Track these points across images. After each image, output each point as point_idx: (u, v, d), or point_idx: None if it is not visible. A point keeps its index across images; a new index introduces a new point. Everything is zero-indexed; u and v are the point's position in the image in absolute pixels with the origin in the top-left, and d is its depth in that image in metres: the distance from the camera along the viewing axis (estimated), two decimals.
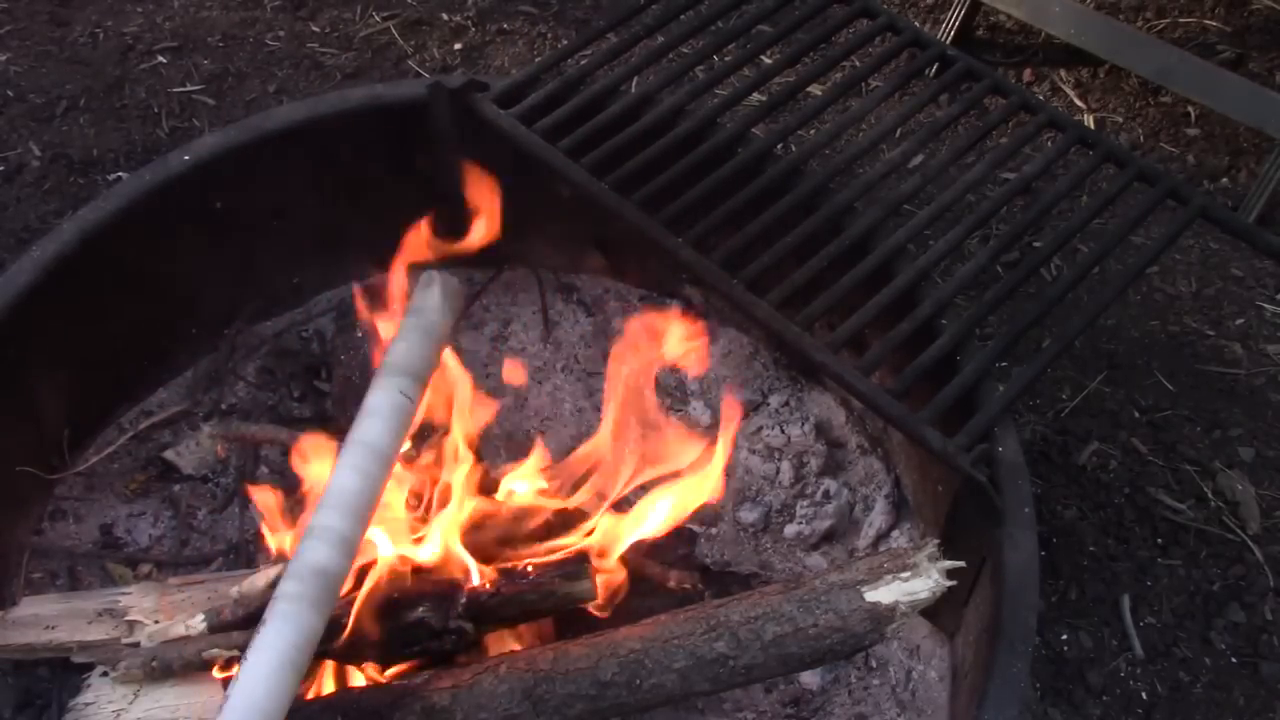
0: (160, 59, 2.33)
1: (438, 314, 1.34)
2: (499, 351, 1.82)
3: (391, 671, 1.31)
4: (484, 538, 1.36)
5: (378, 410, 1.22)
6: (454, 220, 1.53)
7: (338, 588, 1.09)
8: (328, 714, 1.21)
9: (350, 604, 1.24)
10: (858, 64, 1.79)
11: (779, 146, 1.55)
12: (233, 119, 2.17)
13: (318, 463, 1.34)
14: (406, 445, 1.38)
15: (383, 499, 1.31)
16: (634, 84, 1.79)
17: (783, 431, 1.72)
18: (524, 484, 1.43)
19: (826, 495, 1.64)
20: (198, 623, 1.33)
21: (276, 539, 1.40)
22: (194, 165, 1.53)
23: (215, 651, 1.26)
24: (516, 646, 1.36)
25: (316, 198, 1.65)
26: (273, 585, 1.29)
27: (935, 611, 1.38)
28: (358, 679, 1.31)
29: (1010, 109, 1.58)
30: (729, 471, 1.58)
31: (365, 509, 1.16)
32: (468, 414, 1.43)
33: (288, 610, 1.02)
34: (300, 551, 1.09)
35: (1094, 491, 1.77)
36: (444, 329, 1.37)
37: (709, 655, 1.19)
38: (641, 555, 1.41)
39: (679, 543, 1.48)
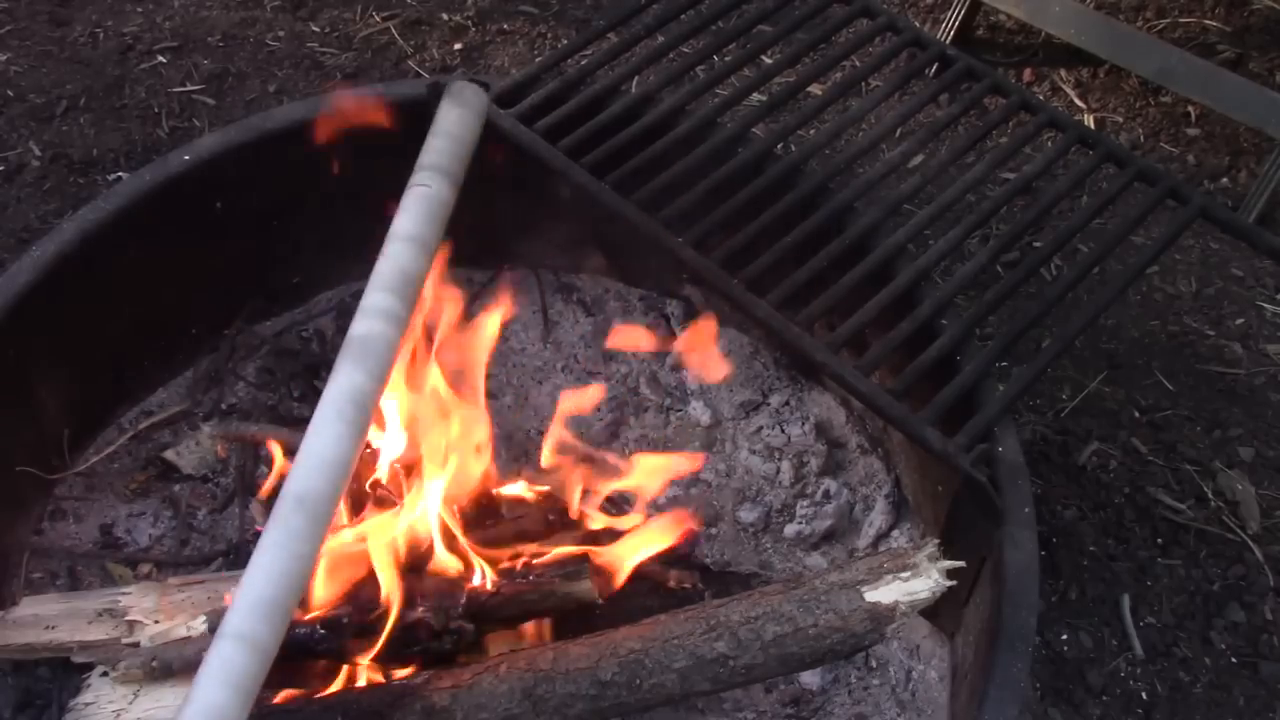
0: (160, 59, 2.33)
1: (464, 122, 1.35)
2: (499, 352, 1.82)
3: (391, 671, 1.31)
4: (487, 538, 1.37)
5: (411, 206, 1.27)
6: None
7: (392, 353, 1.15)
8: (328, 714, 1.21)
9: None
10: (858, 64, 1.80)
11: (779, 146, 1.55)
12: (233, 119, 2.17)
13: None
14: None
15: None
16: (634, 84, 1.79)
17: (783, 431, 1.72)
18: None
19: (826, 495, 1.64)
20: (198, 623, 1.34)
21: None
22: (194, 165, 1.53)
23: None
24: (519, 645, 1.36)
25: (317, 197, 1.65)
26: None
27: (935, 611, 1.38)
28: (358, 679, 1.31)
29: (1010, 109, 1.58)
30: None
31: (411, 289, 1.20)
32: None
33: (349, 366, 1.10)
34: (353, 327, 1.16)
35: (1094, 491, 1.77)
36: (472, 135, 1.37)
37: (709, 655, 1.19)
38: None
39: (679, 543, 1.48)
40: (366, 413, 1.10)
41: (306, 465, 1.05)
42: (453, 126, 1.35)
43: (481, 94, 1.45)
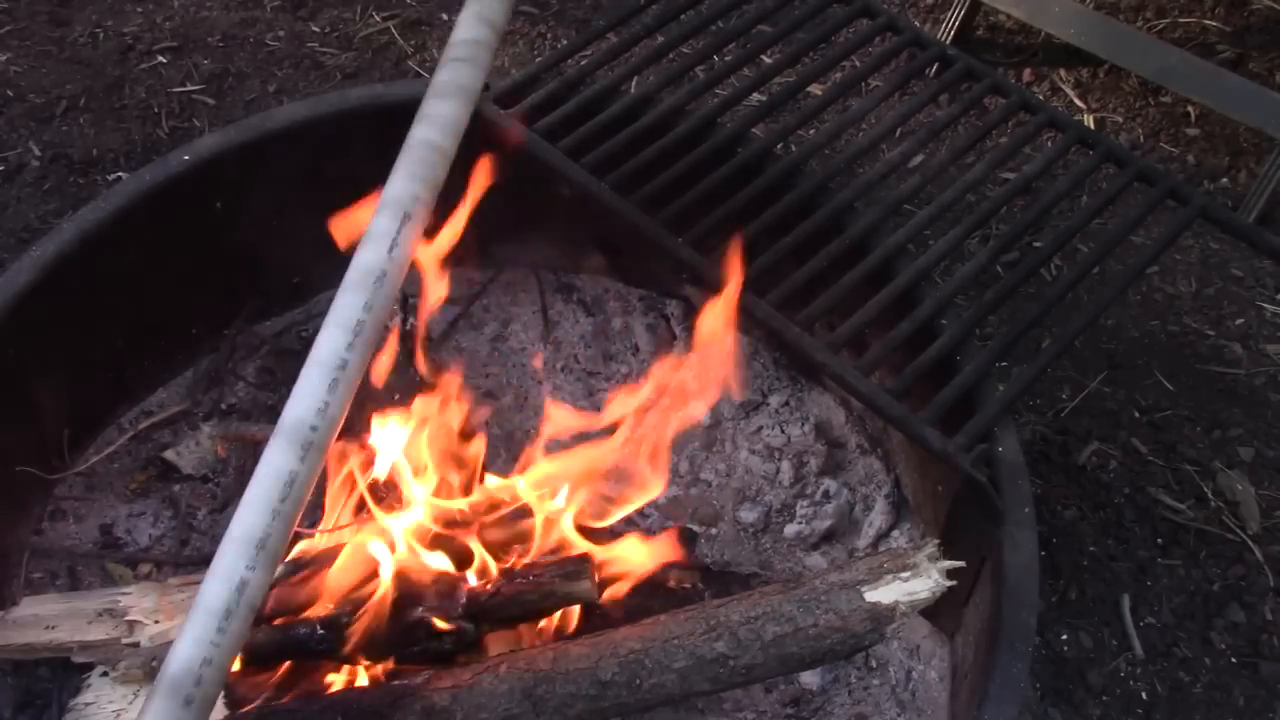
0: (160, 59, 2.33)
1: None
2: (499, 352, 1.82)
3: (392, 671, 1.31)
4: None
5: (463, 39, 1.32)
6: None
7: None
8: (328, 714, 1.21)
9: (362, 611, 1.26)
10: (858, 64, 1.79)
11: (779, 146, 1.55)
12: (233, 119, 2.17)
13: None
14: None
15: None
16: (634, 84, 1.79)
17: (783, 431, 1.72)
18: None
19: (826, 495, 1.64)
20: None
21: None
22: (194, 165, 1.53)
23: None
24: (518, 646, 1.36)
25: (317, 197, 1.65)
26: (274, 586, 1.30)
27: (935, 611, 1.38)
28: (358, 679, 1.31)
29: (1010, 109, 1.58)
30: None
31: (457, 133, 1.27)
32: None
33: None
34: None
35: (1094, 491, 1.77)
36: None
37: (709, 655, 1.19)
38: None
39: (679, 542, 1.48)
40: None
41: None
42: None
43: None
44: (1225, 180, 2.24)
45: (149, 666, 1.30)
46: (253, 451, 1.62)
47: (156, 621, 1.36)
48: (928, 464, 1.50)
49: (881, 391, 1.25)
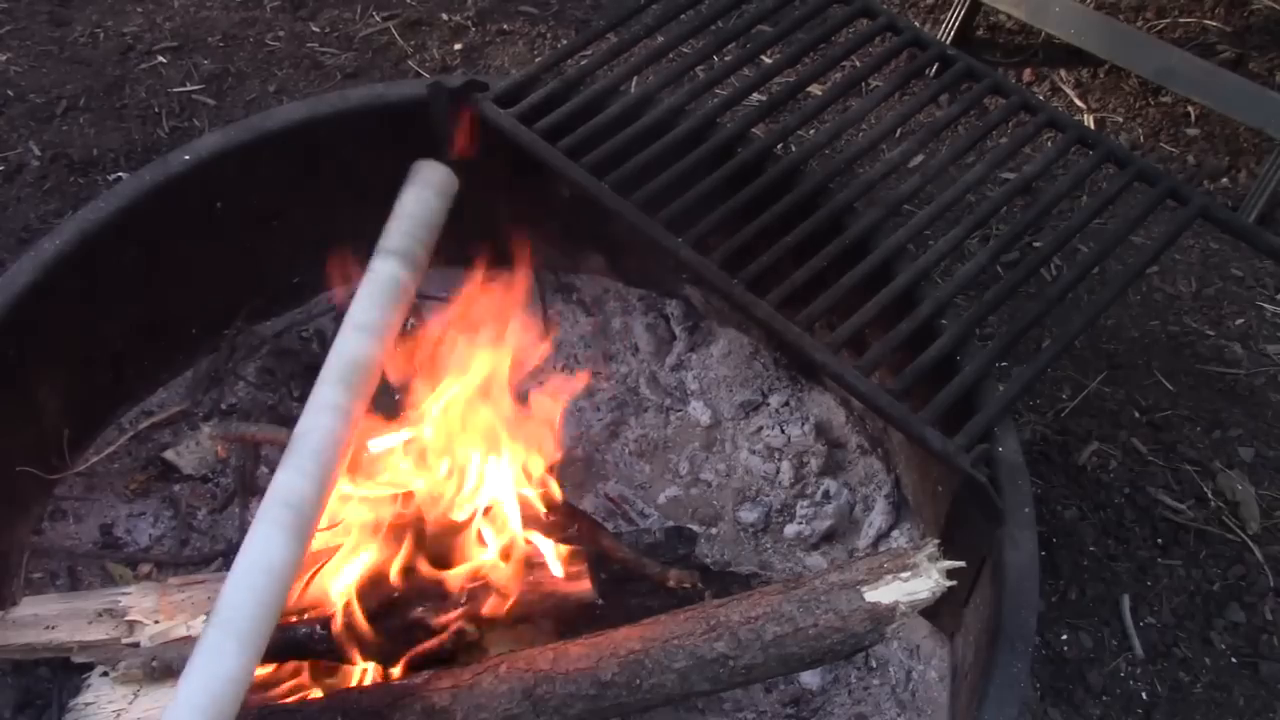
0: (160, 59, 2.33)
1: (427, 202, 1.36)
2: None
3: (391, 671, 1.31)
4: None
5: (365, 291, 1.28)
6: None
7: (338, 449, 1.17)
8: (328, 714, 1.21)
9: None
10: (858, 64, 1.79)
11: (779, 146, 1.55)
12: (233, 119, 2.17)
13: None
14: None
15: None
16: (634, 84, 1.79)
17: (783, 431, 1.72)
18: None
19: (826, 495, 1.64)
20: (198, 623, 1.34)
21: None
22: (194, 165, 1.53)
23: None
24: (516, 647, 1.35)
25: (317, 197, 1.65)
26: None
27: (935, 611, 1.38)
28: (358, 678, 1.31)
29: (1010, 109, 1.58)
30: None
31: (363, 377, 1.23)
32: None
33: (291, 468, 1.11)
34: (300, 422, 1.18)
35: (1094, 491, 1.77)
36: (433, 213, 1.39)
37: (709, 655, 1.19)
38: (641, 554, 1.41)
39: (679, 542, 1.48)
40: (306, 517, 1.09)
41: (241, 583, 1.04)
42: (412, 206, 1.36)
43: (444, 171, 1.44)
44: (1225, 180, 2.24)
45: (149, 666, 1.30)
46: (253, 452, 1.62)
47: (156, 621, 1.36)
48: (928, 464, 1.50)
49: (881, 391, 1.25)
